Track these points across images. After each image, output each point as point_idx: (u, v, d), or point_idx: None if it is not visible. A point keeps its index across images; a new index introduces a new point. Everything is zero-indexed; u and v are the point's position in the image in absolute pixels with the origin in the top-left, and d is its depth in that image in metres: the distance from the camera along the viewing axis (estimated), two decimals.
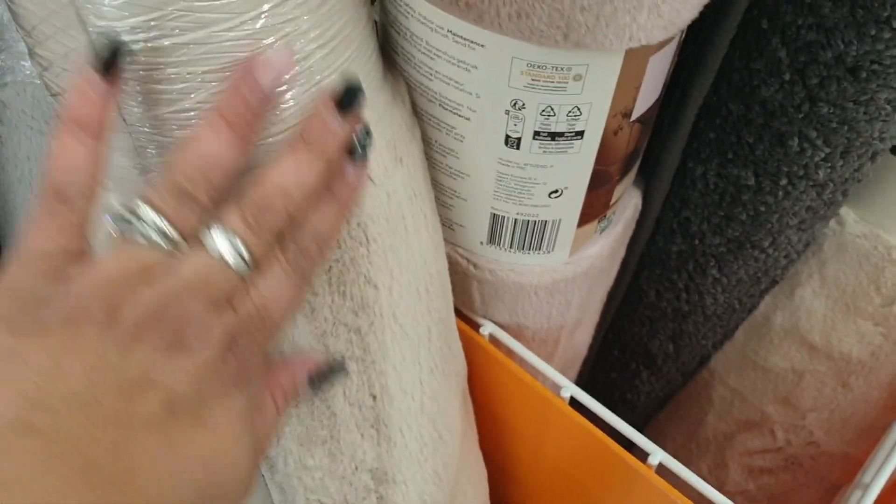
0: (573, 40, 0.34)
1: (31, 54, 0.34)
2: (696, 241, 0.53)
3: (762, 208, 0.49)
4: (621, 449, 0.46)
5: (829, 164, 0.46)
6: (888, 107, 0.43)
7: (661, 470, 0.46)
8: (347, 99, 0.32)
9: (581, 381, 0.71)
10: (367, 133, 0.33)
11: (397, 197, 0.38)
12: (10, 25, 0.45)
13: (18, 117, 0.46)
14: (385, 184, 0.37)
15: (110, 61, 0.29)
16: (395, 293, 0.40)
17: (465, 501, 0.51)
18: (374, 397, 0.41)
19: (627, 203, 0.50)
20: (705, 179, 0.50)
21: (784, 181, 0.47)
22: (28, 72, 0.45)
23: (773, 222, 0.50)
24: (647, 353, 0.65)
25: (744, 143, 0.47)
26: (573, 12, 0.32)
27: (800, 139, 0.45)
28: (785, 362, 0.62)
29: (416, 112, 0.42)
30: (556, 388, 0.48)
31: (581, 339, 0.58)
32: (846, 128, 0.44)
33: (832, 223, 0.57)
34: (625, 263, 0.57)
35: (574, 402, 0.49)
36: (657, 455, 0.45)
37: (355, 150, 0.33)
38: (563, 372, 0.53)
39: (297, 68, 0.32)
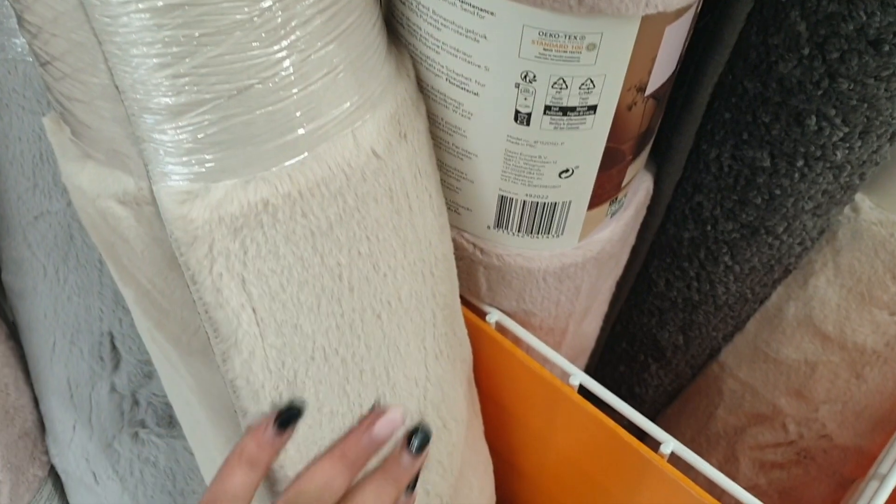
0: (588, 4, 0.32)
1: (20, 21, 0.32)
2: (709, 227, 0.51)
3: (777, 191, 0.47)
4: (633, 438, 0.44)
5: (848, 145, 0.44)
6: None
7: (674, 459, 0.44)
8: (419, 442, 0.37)
9: (589, 374, 0.68)
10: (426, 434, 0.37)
11: (401, 174, 0.36)
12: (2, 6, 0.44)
13: (9, 96, 0.44)
14: (388, 160, 0.35)
15: (286, 421, 0.34)
16: (399, 276, 0.38)
17: (470, 493, 0.49)
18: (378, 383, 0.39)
19: (639, 186, 0.48)
20: (719, 162, 0.48)
21: (801, 162, 0.45)
22: (19, 49, 0.43)
23: (789, 206, 0.48)
24: (656, 344, 0.63)
25: (760, 123, 0.45)
26: None
27: (818, 118, 0.43)
28: (797, 353, 0.59)
29: (422, 88, 0.40)
30: (565, 377, 0.46)
31: (589, 328, 0.56)
32: (866, 105, 0.42)
33: (847, 210, 0.55)
34: (635, 251, 0.55)
35: (583, 393, 0.47)
36: (669, 444, 0.43)
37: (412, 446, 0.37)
38: (571, 361, 0.51)
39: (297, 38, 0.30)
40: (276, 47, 0.30)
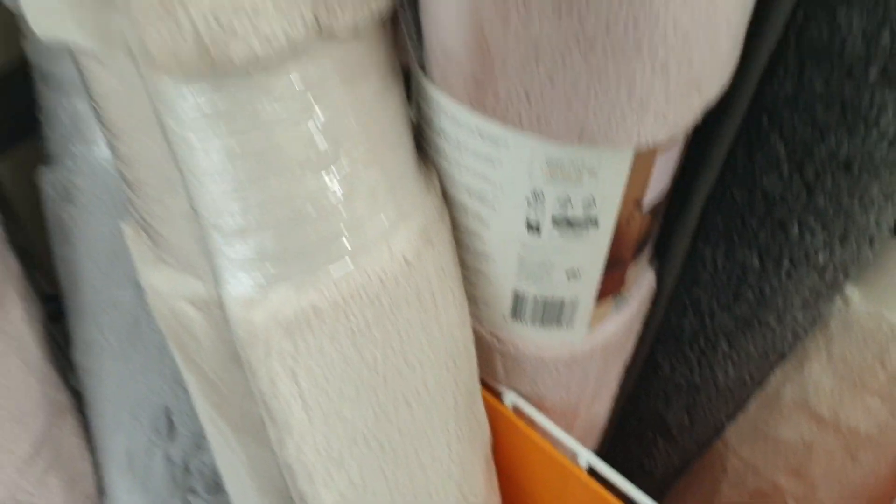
0: (587, 140, 0.37)
1: (112, 149, 0.38)
2: (707, 318, 0.56)
3: (767, 289, 0.52)
4: None
5: (829, 249, 0.48)
6: (881, 197, 0.45)
7: None
8: None
9: (602, 449, 0.72)
10: None
11: (427, 277, 0.41)
12: (86, 118, 0.50)
13: (89, 200, 0.50)
14: (417, 266, 0.40)
15: None
16: (426, 367, 0.42)
17: None
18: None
19: (642, 282, 0.53)
20: (714, 261, 0.52)
21: (787, 264, 0.50)
22: (100, 158, 0.49)
23: (779, 302, 0.52)
24: (663, 423, 0.66)
25: (748, 229, 0.49)
26: (587, 116, 0.36)
27: (800, 226, 0.47)
28: (795, 434, 0.63)
29: (446, 198, 0.45)
30: (575, 458, 0.50)
31: (600, 409, 0.60)
32: (843, 216, 0.46)
33: (838, 302, 0.59)
34: (641, 338, 0.59)
35: (595, 473, 0.51)
36: None
37: None
38: (583, 439, 0.55)
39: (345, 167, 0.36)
40: (327, 178, 0.36)
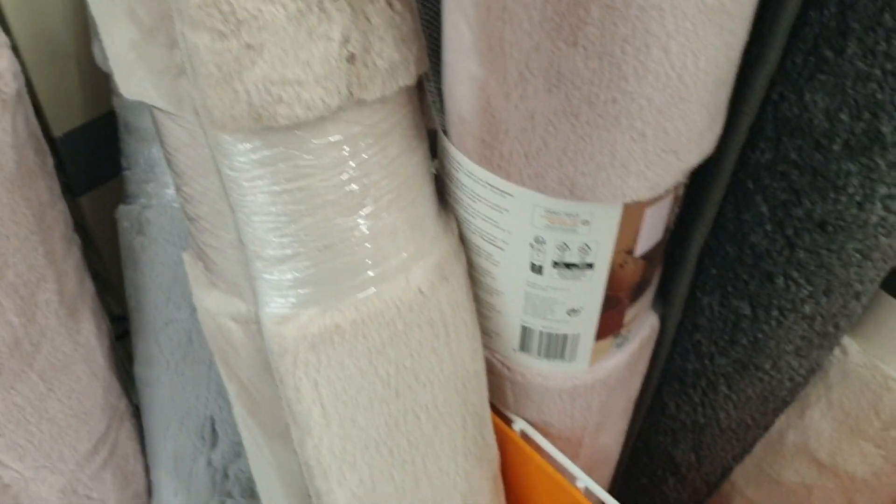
0: (578, 196, 0.44)
1: (178, 189, 0.47)
2: (707, 361, 0.61)
3: (760, 335, 0.57)
4: None
5: (815, 301, 0.54)
6: (858, 255, 0.51)
7: None
8: None
9: (615, 486, 0.77)
10: None
11: (440, 307, 0.48)
12: (160, 163, 0.59)
13: (157, 232, 0.58)
14: (431, 297, 0.47)
15: None
16: (436, 386, 0.49)
17: None
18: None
19: (644, 323, 0.59)
20: (711, 308, 0.58)
21: (776, 313, 0.55)
22: (169, 197, 0.58)
23: (772, 347, 0.58)
24: (671, 461, 0.71)
25: (740, 280, 0.55)
26: (576, 176, 0.43)
27: (785, 278, 0.53)
28: (797, 477, 0.67)
29: (463, 241, 0.52)
30: (573, 480, 0.56)
31: (607, 442, 0.66)
32: (824, 271, 0.52)
33: (837, 352, 0.63)
34: (648, 378, 0.65)
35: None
36: None
37: None
38: (590, 470, 0.61)
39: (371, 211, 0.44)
40: (355, 216, 0.43)
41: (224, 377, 0.52)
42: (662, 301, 0.60)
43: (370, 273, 0.45)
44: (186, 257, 0.51)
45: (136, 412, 0.66)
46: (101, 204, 0.64)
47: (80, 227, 0.61)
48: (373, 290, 0.45)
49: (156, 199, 0.57)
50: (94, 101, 0.60)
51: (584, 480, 0.55)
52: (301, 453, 0.46)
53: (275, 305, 0.44)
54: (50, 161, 0.54)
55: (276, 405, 0.47)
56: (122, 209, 0.59)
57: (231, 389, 0.52)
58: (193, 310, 0.54)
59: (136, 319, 0.62)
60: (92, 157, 0.61)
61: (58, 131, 0.60)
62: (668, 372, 0.66)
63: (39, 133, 0.52)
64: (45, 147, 0.53)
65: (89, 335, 0.59)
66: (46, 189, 0.52)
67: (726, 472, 0.74)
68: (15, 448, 0.54)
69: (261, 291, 0.44)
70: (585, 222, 0.46)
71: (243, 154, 0.40)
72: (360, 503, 0.48)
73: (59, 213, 0.54)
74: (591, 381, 0.56)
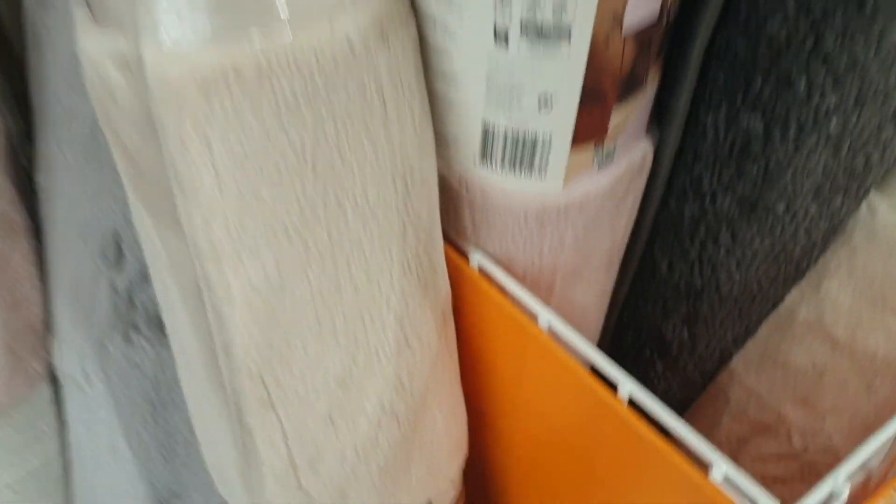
0: None
1: None
2: (708, 201, 0.53)
3: (772, 163, 0.49)
4: (592, 378, 0.46)
5: (842, 113, 0.45)
6: None
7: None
8: None
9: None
10: None
11: (377, 75, 0.40)
12: None
13: (62, 4, 0.50)
14: (363, 54, 0.39)
15: None
16: (367, 173, 0.41)
17: (434, 427, 0.51)
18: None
19: (632, 145, 0.51)
20: (716, 128, 0.50)
21: (793, 131, 0.47)
22: None
23: (787, 179, 0.49)
24: (660, 338, 0.64)
25: (753, 86, 0.47)
26: None
27: (808, 81, 0.45)
28: (806, 358, 0.60)
29: (414, 12, 0.44)
30: (535, 318, 0.48)
31: (584, 300, 0.58)
32: (857, 71, 0.43)
33: (863, 210, 0.56)
34: (638, 227, 0.57)
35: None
36: (626, 385, 0.45)
37: None
38: None
39: None
40: None
41: (115, 156, 0.44)
42: (659, 124, 0.52)
43: (282, 9, 0.37)
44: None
45: (39, 233, 0.59)
46: None
47: None
48: (284, 30, 0.37)
49: None
50: None
51: (546, 317, 0.48)
52: (188, 230, 0.38)
53: (159, 36, 0.36)
54: None
55: (165, 178, 0.39)
56: None
57: (122, 171, 0.44)
58: None
59: (39, 116, 0.54)
60: None
61: None
62: (661, 223, 0.58)
63: None
64: None
65: None
66: None
67: (724, 358, 0.66)
68: None
69: (143, 18, 0.36)
70: None
71: None
72: (262, 300, 0.40)
73: None
74: (564, 203, 0.49)
